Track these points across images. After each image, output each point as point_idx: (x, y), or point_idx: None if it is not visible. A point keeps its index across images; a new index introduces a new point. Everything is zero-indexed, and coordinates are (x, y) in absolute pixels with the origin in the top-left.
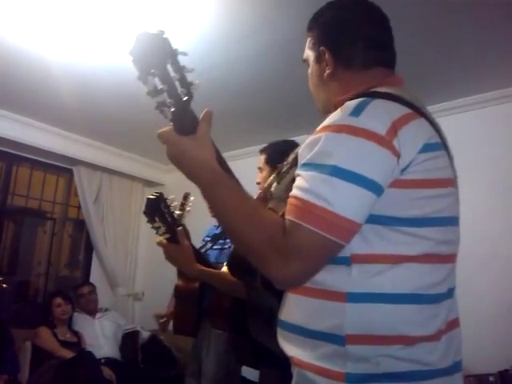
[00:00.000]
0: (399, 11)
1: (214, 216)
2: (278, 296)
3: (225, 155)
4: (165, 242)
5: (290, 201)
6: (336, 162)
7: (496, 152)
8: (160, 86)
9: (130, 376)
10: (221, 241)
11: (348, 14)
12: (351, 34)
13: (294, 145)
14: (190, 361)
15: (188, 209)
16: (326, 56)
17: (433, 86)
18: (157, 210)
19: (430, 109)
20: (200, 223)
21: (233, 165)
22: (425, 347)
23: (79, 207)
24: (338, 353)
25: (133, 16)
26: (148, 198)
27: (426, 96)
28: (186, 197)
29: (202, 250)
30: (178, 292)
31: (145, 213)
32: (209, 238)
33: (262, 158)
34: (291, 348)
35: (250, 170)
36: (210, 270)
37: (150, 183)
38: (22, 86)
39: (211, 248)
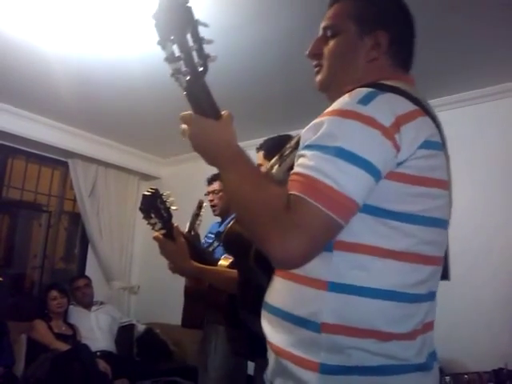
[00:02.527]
0: None
1: (217, 212)
2: (270, 275)
3: None
4: (161, 237)
5: (293, 177)
6: (341, 144)
7: (493, 146)
8: (177, 54)
9: (125, 369)
10: None
11: (404, 7)
12: (411, 30)
13: (290, 138)
14: (200, 356)
15: (202, 213)
16: (382, 41)
17: (430, 81)
18: (153, 206)
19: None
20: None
21: None
22: (399, 344)
23: (75, 200)
24: (314, 340)
25: (130, 8)
26: (144, 195)
27: (424, 91)
28: (200, 206)
29: (210, 249)
30: (187, 290)
31: (141, 209)
32: (212, 235)
33: (261, 154)
34: (271, 332)
35: None
36: (205, 266)
37: (146, 176)
38: (18, 79)
39: (219, 245)
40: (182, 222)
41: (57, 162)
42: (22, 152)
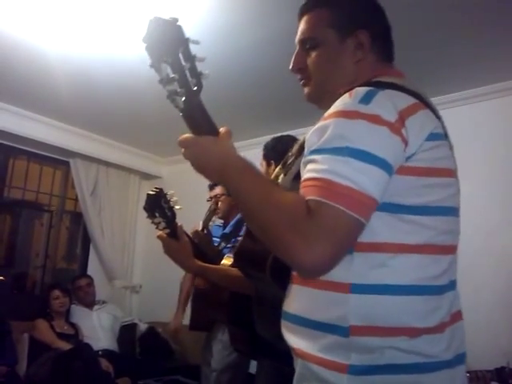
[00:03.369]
0: (398, 5)
1: (219, 214)
2: (286, 287)
3: None
4: (165, 236)
5: (308, 183)
6: (351, 144)
7: (494, 145)
8: (171, 75)
9: (127, 368)
10: (233, 239)
11: (377, 5)
12: (386, 25)
13: (289, 139)
14: (203, 351)
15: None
16: (364, 40)
17: (428, 80)
18: (157, 205)
19: None
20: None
21: None
22: (428, 339)
23: (76, 200)
24: (342, 344)
25: (131, 7)
26: (148, 194)
27: (425, 89)
28: (217, 202)
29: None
30: (197, 291)
31: (145, 208)
32: (217, 239)
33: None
34: (294, 340)
35: (254, 162)
36: (208, 265)
37: (147, 176)
38: (19, 78)
39: (225, 247)
40: (184, 221)
41: (58, 161)
42: (23, 152)
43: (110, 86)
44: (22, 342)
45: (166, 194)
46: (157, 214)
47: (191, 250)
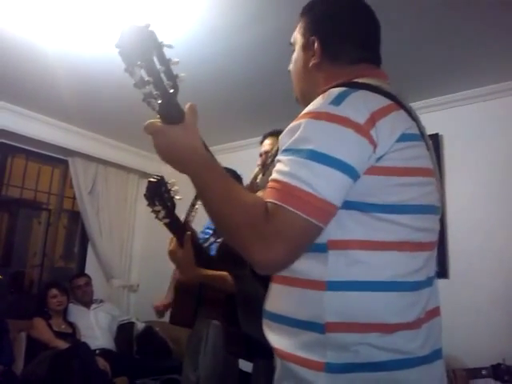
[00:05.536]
0: (401, 7)
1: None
2: (266, 284)
3: (225, 146)
4: (175, 250)
5: (270, 184)
6: (313, 147)
7: (494, 145)
8: (146, 78)
9: (124, 367)
10: None
11: (344, 10)
12: (343, 30)
13: None
14: (186, 351)
15: (197, 207)
16: (316, 46)
17: (434, 80)
18: (157, 193)
19: (430, 102)
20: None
21: (233, 156)
22: (404, 335)
23: (74, 198)
24: (318, 341)
25: (130, 5)
26: (149, 181)
27: (428, 89)
28: (197, 196)
29: (206, 244)
30: (179, 284)
31: (145, 196)
32: (210, 231)
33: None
34: (274, 338)
35: (250, 161)
36: (212, 273)
37: (145, 175)
38: (17, 76)
39: (215, 241)
40: (182, 221)
41: (57, 160)
42: (21, 150)
43: (110, 85)
44: (20, 340)
45: (166, 183)
46: (156, 202)
47: (193, 258)
